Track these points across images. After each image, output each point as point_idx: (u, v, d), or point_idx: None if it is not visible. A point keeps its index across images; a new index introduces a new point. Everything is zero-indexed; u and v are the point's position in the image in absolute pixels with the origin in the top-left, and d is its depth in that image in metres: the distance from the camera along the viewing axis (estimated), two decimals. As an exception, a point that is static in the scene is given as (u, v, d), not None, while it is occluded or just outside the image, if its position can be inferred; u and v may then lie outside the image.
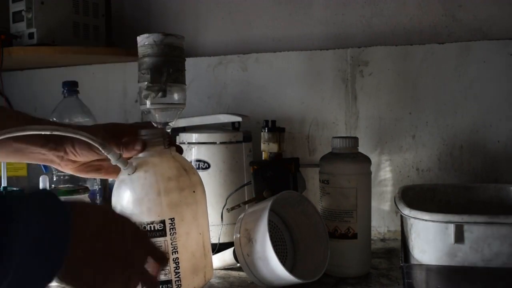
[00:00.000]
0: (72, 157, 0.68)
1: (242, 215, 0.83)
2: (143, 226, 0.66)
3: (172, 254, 0.67)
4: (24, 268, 0.39)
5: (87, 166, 0.71)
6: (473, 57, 1.06)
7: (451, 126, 1.08)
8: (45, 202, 0.43)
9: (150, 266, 0.54)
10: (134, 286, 0.51)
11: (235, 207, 0.92)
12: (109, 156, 0.64)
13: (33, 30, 1.13)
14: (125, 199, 0.68)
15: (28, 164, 1.12)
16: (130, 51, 1.20)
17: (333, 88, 1.14)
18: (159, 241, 0.66)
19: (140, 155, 0.69)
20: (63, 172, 0.72)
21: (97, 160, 0.70)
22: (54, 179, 0.97)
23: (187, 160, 0.76)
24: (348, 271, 0.86)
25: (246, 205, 0.92)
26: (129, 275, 0.50)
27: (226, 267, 0.90)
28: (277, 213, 0.88)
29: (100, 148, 0.62)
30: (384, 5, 1.14)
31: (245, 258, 0.79)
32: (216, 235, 0.97)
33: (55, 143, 0.66)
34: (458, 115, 1.07)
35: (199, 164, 1.00)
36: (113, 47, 1.32)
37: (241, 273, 0.84)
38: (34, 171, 1.09)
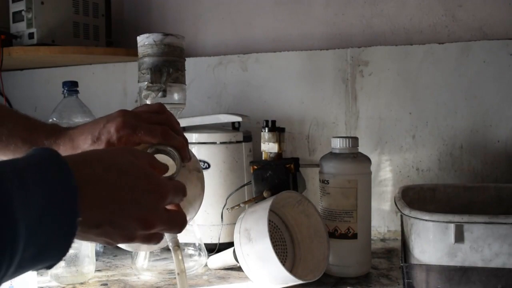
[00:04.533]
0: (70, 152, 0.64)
1: (242, 215, 0.83)
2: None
3: None
4: (36, 239, 0.37)
5: None
6: (473, 57, 1.06)
7: (451, 126, 1.08)
8: (44, 169, 0.40)
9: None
10: (155, 229, 0.49)
11: (235, 207, 0.92)
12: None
13: (33, 30, 1.13)
14: None
15: None
16: (130, 51, 1.20)
17: (333, 88, 1.14)
18: None
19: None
20: None
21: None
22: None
23: (200, 165, 0.71)
24: (348, 271, 0.86)
25: (246, 205, 0.92)
26: (149, 220, 0.48)
27: (226, 267, 0.90)
28: (277, 213, 0.88)
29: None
30: (384, 5, 1.14)
31: (245, 258, 0.79)
32: (216, 235, 0.98)
33: (56, 137, 0.61)
34: (458, 115, 1.07)
35: (199, 164, 1.00)
36: (113, 47, 1.32)
37: (241, 273, 0.84)
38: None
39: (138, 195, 0.46)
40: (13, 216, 0.35)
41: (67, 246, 0.40)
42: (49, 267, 0.40)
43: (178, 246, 0.59)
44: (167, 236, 0.58)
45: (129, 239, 0.48)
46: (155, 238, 0.51)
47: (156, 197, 0.48)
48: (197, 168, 0.65)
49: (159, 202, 0.49)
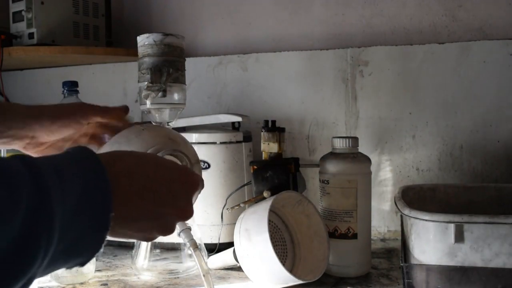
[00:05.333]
0: (44, 138, 0.63)
1: (242, 215, 0.83)
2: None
3: None
4: (70, 233, 0.37)
5: (52, 148, 0.66)
6: (473, 57, 1.06)
7: (451, 126, 1.07)
8: (79, 164, 0.40)
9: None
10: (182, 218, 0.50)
11: (235, 207, 0.92)
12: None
13: (33, 30, 1.13)
14: None
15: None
16: (130, 51, 1.20)
17: (333, 88, 1.14)
18: None
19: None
20: None
21: (61, 139, 0.66)
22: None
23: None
24: (348, 271, 0.86)
25: (246, 205, 0.92)
26: (187, 210, 0.49)
27: (226, 267, 0.90)
28: (277, 213, 0.88)
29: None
30: (384, 5, 1.14)
31: (245, 258, 0.79)
32: (216, 235, 0.98)
33: (24, 123, 0.61)
34: (458, 115, 1.07)
35: (199, 164, 1.00)
36: (113, 47, 1.32)
37: (241, 273, 0.84)
38: None
39: (174, 186, 0.47)
40: (51, 208, 0.35)
41: (100, 242, 0.40)
42: (82, 263, 0.40)
43: (197, 246, 0.60)
44: (184, 238, 0.59)
45: (169, 231, 0.48)
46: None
47: (190, 188, 0.49)
48: (198, 160, 0.67)
49: (192, 192, 0.50)
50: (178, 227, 0.58)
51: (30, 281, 0.35)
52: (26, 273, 0.34)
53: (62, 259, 0.38)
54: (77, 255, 0.39)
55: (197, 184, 0.51)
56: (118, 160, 0.44)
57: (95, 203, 0.39)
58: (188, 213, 0.49)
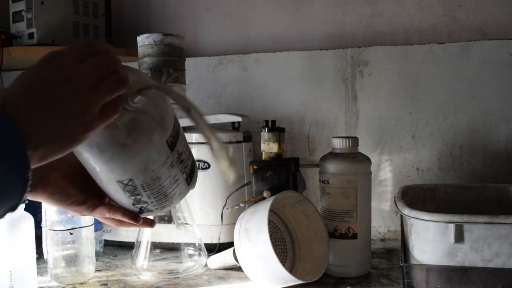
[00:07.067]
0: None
1: (242, 215, 0.83)
2: None
3: None
4: None
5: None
6: (473, 57, 1.06)
7: (451, 126, 1.08)
8: None
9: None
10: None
11: (235, 207, 0.92)
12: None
13: (33, 30, 1.13)
14: None
15: None
16: (130, 51, 1.20)
17: (333, 88, 1.14)
18: None
19: None
20: None
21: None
22: None
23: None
24: (348, 271, 0.86)
25: (246, 205, 0.92)
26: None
27: (226, 267, 0.90)
28: (277, 213, 0.88)
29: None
30: (384, 5, 1.14)
31: (245, 258, 0.79)
32: (216, 235, 0.98)
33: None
34: (458, 115, 1.07)
35: (199, 164, 1.00)
36: (113, 47, 1.32)
37: (241, 273, 0.84)
38: None
39: (64, 68, 0.43)
40: None
41: (25, 181, 0.38)
42: (13, 208, 0.39)
43: (189, 107, 0.47)
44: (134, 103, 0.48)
45: (91, 111, 0.43)
46: (110, 109, 0.44)
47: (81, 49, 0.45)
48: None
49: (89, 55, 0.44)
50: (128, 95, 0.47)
51: None
52: None
53: None
54: (4, 199, 0.38)
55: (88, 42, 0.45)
56: (9, 93, 0.41)
57: (7, 141, 0.37)
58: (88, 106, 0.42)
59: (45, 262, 0.89)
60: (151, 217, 0.60)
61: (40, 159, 0.41)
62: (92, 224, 0.89)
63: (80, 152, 0.50)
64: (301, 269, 0.84)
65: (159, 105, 0.51)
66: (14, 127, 0.38)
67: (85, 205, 0.55)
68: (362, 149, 0.90)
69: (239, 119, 1.04)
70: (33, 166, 0.39)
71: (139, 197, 0.54)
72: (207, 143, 0.48)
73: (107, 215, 0.56)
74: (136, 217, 0.56)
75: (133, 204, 0.55)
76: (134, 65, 0.84)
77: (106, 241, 1.05)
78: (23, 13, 1.14)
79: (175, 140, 0.54)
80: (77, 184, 0.55)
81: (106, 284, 0.86)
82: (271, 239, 0.74)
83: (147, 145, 0.50)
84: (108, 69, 0.44)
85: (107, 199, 0.57)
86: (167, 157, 0.53)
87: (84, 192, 0.55)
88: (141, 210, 0.56)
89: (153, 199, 0.55)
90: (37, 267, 0.81)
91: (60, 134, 0.42)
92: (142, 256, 0.91)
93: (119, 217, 0.56)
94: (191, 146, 1.02)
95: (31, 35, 1.14)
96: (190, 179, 0.58)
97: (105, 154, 0.49)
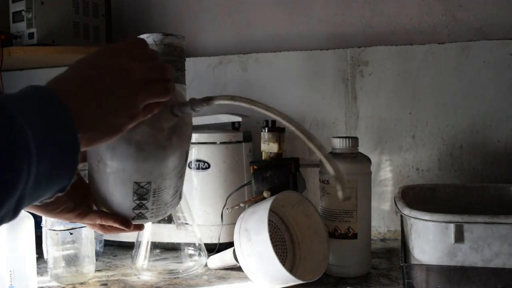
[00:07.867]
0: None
1: (242, 215, 0.83)
2: None
3: None
4: (45, 153, 0.38)
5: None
6: (473, 57, 1.06)
7: (451, 126, 1.08)
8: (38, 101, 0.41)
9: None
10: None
11: (235, 207, 0.92)
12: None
13: (33, 30, 1.13)
14: None
15: None
16: (130, 51, 1.19)
17: (333, 88, 1.14)
18: None
19: None
20: None
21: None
22: None
23: None
24: (348, 271, 0.86)
25: (246, 205, 0.92)
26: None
27: (226, 267, 0.90)
28: (277, 213, 0.88)
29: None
30: (384, 5, 1.14)
31: (245, 258, 0.79)
32: (216, 235, 0.98)
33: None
34: (458, 115, 1.07)
35: (199, 164, 1.00)
36: (113, 47, 1.31)
37: (241, 273, 0.84)
38: None
39: (120, 64, 0.46)
40: (24, 130, 0.36)
41: (74, 164, 0.41)
42: (63, 189, 0.41)
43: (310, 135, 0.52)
44: (178, 112, 0.52)
45: (135, 107, 0.46)
46: (153, 108, 0.48)
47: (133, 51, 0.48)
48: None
49: (142, 56, 0.48)
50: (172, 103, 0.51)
51: (21, 202, 0.37)
52: (15, 189, 0.35)
53: (45, 182, 0.39)
54: (56, 179, 0.40)
55: (135, 42, 0.48)
56: (63, 81, 0.44)
57: (60, 127, 0.40)
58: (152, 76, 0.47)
59: (45, 262, 0.89)
60: None
61: (87, 143, 0.44)
62: (92, 224, 0.89)
63: (114, 147, 0.50)
64: (301, 269, 0.84)
65: (191, 116, 0.55)
66: (67, 113, 0.41)
67: (75, 212, 0.55)
68: (362, 149, 0.90)
69: (239, 119, 1.04)
70: (82, 149, 0.42)
71: (144, 202, 0.54)
72: (329, 170, 0.53)
73: (98, 221, 0.57)
74: (127, 223, 0.56)
75: (133, 209, 0.55)
76: (134, 65, 0.84)
77: (106, 241, 1.05)
78: (23, 13, 1.14)
79: (188, 152, 0.56)
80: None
81: (106, 284, 0.86)
82: (271, 239, 0.74)
83: (179, 151, 0.53)
84: (161, 75, 0.49)
85: (94, 206, 0.58)
86: (181, 167, 0.55)
87: (72, 199, 0.55)
88: (137, 216, 0.56)
89: (154, 206, 0.55)
90: (37, 267, 0.81)
91: (108, 121, 0.45)
92: (142, 256, 0.91)
93: (110, 223, 0.56)
94: (191, 146, 1.03)
95: (31, 35, 1.14)
96: (180, 194, 0.59)
97: (141, 153, 0.50)
